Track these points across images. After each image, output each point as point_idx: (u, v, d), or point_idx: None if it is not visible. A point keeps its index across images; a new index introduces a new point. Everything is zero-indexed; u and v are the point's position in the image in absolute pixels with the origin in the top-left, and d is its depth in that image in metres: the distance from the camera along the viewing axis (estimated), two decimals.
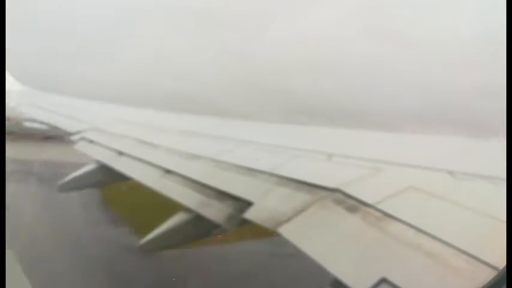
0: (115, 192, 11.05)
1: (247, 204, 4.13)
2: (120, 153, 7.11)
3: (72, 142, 8.68)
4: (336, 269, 2.78)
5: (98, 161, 7.39)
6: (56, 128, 10.49)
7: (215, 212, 4.37)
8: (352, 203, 3.41)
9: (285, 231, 3.42)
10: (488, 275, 2.23)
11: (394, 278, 2.46)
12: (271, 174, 4.53)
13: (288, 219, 3.54)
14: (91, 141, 8.31)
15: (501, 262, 2.24)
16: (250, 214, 3.97)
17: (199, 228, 4.62)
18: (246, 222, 4.05)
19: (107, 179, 7.29)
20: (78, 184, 7.71)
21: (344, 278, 2.64)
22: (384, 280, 2.48)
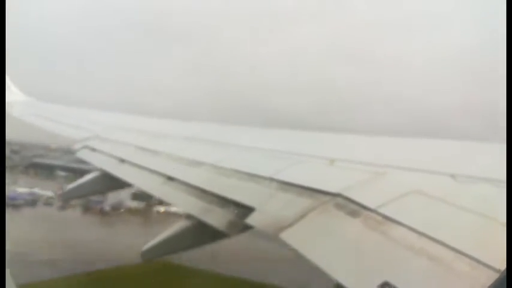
0: None
1: (249, 209, 4.11)
2: (122, 160, 7.12)
3: None
4: (338, 273, 2.76)
5: (100, 169, 7.40)
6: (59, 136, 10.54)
7: (217, 218, 4.36)
8: (353, 208, 3.40)
9: (287, 236, 3.41)
10: (491, 278, 2.21)
11: (396, 282, 2.44)
12: (273, 180, 4.52)
13: (289, 225, 3.52)
14: (93, 149, 8.33)
15: (504, 265, 2.22)
16: (252, 220, 3.96)
17: (202, 234, 4.61)
18: (248, 227, 4.04)
19: (109, 186, 7.30)
20: (81, 192, 7.72)
21: (346, 283, 2.63)
22: (386, 284, 2.46)
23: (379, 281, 2.49)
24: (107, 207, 42.42)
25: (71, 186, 7.94)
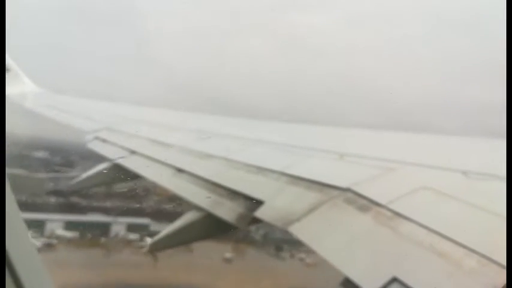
0: None
1: (259, 203, 4.13)
2: (133, 152, 7.16)
3: None
4: (347, 268, 2.77)
5: (110, 160, 7.46)
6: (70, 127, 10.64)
7: (226, 210, 4.39)
8: (363, 203, 3.40)
9: (295, 230, 3.42)
10: (500, 275, 2.21)
11: (405, 278, 2.45)
12: (283, 174, 4.53)
13: (298, 218, 3.54)
14: (104, 140, 8.39)
15: None
16: (261, 213, 3.98)
17: (210, 226, 4.64)
18: (257, 221, 4.06)
19: (118, 178, 7.35)
20: (90, 183, 7.78)
21: (355, 278, 2.64)
22: (395, 279, 2.46)
23: (388, 277, 2.50)
24: None
25: (80, 177, 8.00)
